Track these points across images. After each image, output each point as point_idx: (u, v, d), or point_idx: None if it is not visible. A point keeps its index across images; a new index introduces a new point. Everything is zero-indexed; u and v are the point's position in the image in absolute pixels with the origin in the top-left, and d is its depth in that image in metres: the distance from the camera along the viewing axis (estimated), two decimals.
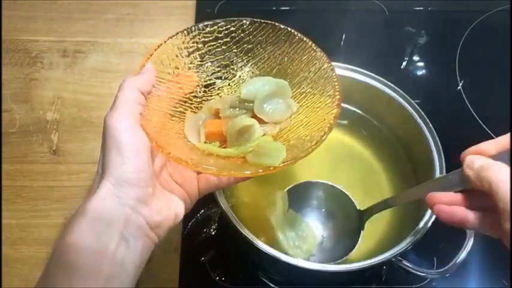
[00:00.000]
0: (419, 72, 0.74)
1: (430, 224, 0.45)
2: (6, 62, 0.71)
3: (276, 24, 0.44)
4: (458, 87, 0.71)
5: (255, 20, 0.44)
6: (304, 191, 0.53)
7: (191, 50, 0.44)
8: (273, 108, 0.43)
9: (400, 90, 0.55)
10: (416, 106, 0.54)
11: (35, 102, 0.67)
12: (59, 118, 0.66)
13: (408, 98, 0.54)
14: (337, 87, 0.40)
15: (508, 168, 0.30)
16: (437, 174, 0.49)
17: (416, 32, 0.78)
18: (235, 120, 0.42)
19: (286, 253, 0.46)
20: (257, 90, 0.43)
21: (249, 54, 0.46)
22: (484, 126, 0.65)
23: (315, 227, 0.52)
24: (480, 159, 0.32)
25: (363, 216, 0.49)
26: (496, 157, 0.32)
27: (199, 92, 0.45)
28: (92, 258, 0.30)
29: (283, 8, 0.80)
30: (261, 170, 0.36)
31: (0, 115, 0.65)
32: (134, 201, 0.33)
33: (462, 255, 0.45)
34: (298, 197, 0.52)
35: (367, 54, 0.72)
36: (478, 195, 0.33)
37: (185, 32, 0.43)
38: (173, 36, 0.42)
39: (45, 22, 0.75)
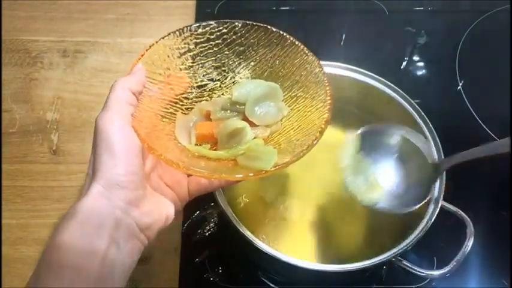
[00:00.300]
0: (419, 72, 0.74)
1: (430, 224, 0.45)
2: (6, 62, 0.71)
3: (268, 27, 0.44)
4: (458, 87, 0.71)
5: (247, 22, 0.44)
6: (376, 137, 0.51)
7: (183, 51, 0.43)
8: (264, 111, 0.43)
9: (400, 90, 0.55)
10: (416, 106, 0.54)
11: (35, 102, 0.67)
12: (59, 118, 0.66)
13: (408, 98, 0.54)
14: (328, 91, 0.40)
15: None
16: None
17: (416, 32, 0.78)
18: (227, 123, 0.42)
19: (355, 196, 0.48)
20: (248, 93, 0.43)
21: (241, 57, 0.46)
22: (484, 126, 0.65)
23: (384, 173, 0.50)
24: None
25: (437, 168, 0.48)
26: None
27: (191, 93, 0.45)
28: (82, 260, 0.30)
29: (283, 8, 0.80)
30: (251, 174, 0.36)
31: (0, 115, 0.65)
32: (125, 204, 0.33)
33: (462, 255, 0.45)
34: (370, 142, 0.51)
35: (367, 54, 0.72)
36: None
37: (177, 32, 0.43)
38: (165, 36, 0.42)
39: (45, 22, 0.75)
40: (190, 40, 0.43)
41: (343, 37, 0.77)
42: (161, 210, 0.36)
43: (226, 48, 0.45)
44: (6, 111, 0.66)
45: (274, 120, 0.43)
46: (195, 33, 0.44)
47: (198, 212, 0.57)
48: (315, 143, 0.37)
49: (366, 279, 0.54)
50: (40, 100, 0.67)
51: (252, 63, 0.46)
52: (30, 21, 0.75)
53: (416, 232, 0.45)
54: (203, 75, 0.46)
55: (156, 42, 0.41)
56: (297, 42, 0.43)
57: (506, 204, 0.58)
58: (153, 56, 0.41)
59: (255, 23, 0.44)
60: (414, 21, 0.79)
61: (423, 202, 0.47)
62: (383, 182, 0.49)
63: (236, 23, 0.44)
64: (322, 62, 0.43)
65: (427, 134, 0.52)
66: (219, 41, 0.45)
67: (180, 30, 0.43)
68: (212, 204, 0.58)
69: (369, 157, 0.51)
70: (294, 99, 0.44)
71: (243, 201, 0.54)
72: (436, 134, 0.51)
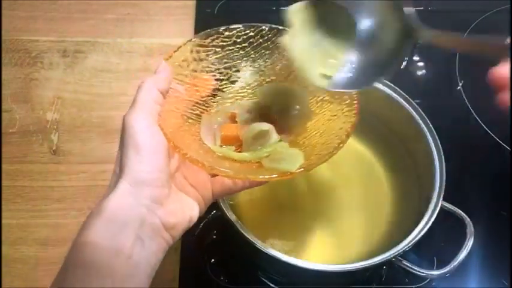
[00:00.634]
0: (419, 72, 0.74)
1: (430, 224, 0.45)
2: (6, 62, 0.71)
3: None
4: (458, 87, 0.71)
5: (274, 26, 0.44)
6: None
7: (209, 53, 0.44)
8: (290, 114, 0.43)
9: (400, 90, 0.55)
10: (416, 106, 0.54)
11: (35, 102, 0.67)
12: (59, 118, 0.66)
13: (408, 98, 0.54)
14: (355, 95, 0.40)
15: None
16: (437, 174, 0.49)
17: None
18: (252, 125, 0.42)
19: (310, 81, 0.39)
20: (274, 96, 0.43)
21: (267, 60, 0.46)
22: (484, 126, 0.65)
23: (341, 45, 0.41)
24: None
25: (410, 32, 0.37)
26: None
27: (216, 95, 0.45)
28: (108, 258, 0.30)
29: (284, 8, 0.79)
30: (276, 175, 0.35)
31: (0, 115, 0.65)
32: (150, 202, 0.33)
33: (462, 255, 0.45)
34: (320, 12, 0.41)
35: None
36: None
37: (203, 35, 0.43)
38: (192, 38, 0.42)
39: (45, 22, 0.75)
40: (217, 43, 0.44)
41: None
42: (185, 210, 0.36)
43: (252, 52, 0.45)
44: (6, 111, 0.66)
45: (299, 123, 0.43)
46: (222, 36, 0.44)
47: None
48: (341, 146, 0.36)
49: (366, 279, 0.54)
50: (40, 100, 0.67)
51: (278, 67, 0.45)
52: (30, 21, 0.75)
53: (416, 232, 0.45)
54: (229, 78, 0.46)
55: (184, 44, 0.42)
56: None
57: (506, 204, 0.58)
58: (180, 58, 0.41)
59: (281, 27, 0.44)
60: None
61: (393, 72, 0.39)
62: (340, 54, 0.40)
63: (263, 27, 0.44)
64: None
65: (427, 134, 0.52)
66: (246, 44, 0.45)
67: (207, 33, 0.43)
68: (209, 206, 0.58)
69: (321, 30, 0.41)
70: (320, 103, 0.43)
71: (243, 201, 0.54)
72: (436, 134, 0.51)
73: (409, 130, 0.54)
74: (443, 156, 0.50)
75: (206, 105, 0.44)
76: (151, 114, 0.35)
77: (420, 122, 0.53)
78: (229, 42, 0.44)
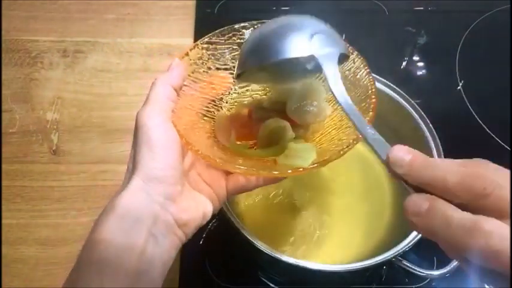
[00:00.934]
0: (419, 72, 0.74)
1: None
2: (6, 62, 0.71)
3: None
4: (458, 87, 0.71)
5: None
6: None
7: (226, 50, 0.43)
8: (306, 110, 0.42)
9: (400, 90, 0.55)
10: (416, 106, 0.54)
11: (35, 102, 0.67)
12: (59, 118, 0.66)
13: (408, 98, 0.54)
14: (373, 89, 0.39)
15: None
16: None
17: (416, 32, 0.78)
18: (267, 122, 0.41)
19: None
20: (290, 92, 0.42)
21: None
22: (484, 126, 0.65)
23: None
24: None
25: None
26: None
27: (232, 92, 0.45)
28: (121, 254, 0.30)
29: (284, 8, 0.80)
30: (289, 171, 0.35)
31: (0, 115, 0.65)
32: (163, 199, 0.33)
33: None
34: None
35: (367, 54, 0.72)
36: None
37: (219, 34, 0.43)
38: (208, 36, 0.42)
39: (45, 22, 0.75)
40: (234, 40, 0.43)
41: (343, 37, 0.76)
42: (198, 207, 0.36)
43: None
44: (6, 111, 0.66)
45: (315, 119, 0.42)
46: (238, 33, 0.43)
47: None
48: (355, 142, 0.35)
49: (366, 279, 0.54)
50: (40, 100, 0.67)
51: None
52: (30, 21, 0.75)
53: (416, 232, 0.45)
54: None
55: (200, 41, 0.41)
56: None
57: None
58: (196, 55, 0.41)
59: None
60: (414, 21, 0.79)
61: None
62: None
63: None
64: None
65: (427, 134, 0.52)
66: None
67: (223, 31, 0.43)
68: None
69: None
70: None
71: (244, 201, 0.54)
72: (436, 134, 0.52)
73: (409, 130, 0.54)
74: (443, 156, 0.50)
75: (222, 102, 0.44)
76: (164, 111, 0.35)
77: (420, 122, 0.53)
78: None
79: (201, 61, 0.42)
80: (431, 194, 0.26)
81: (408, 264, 0.45)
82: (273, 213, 0.54)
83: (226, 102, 0.44)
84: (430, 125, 0.52)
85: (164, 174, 0.33)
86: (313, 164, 0.35)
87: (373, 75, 0.55)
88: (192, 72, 0.40)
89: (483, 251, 0.23)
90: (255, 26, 0.43)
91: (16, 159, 0.62)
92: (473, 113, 0.67)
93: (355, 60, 0.41)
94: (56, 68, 0.71)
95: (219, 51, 0.43)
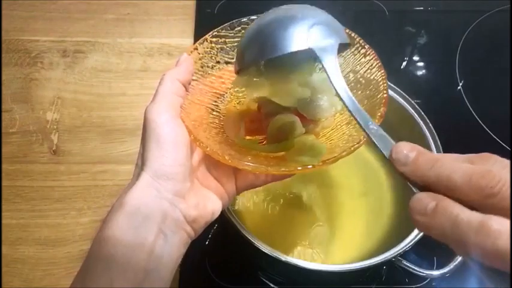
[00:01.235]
0: (419, 72, 0.74)
1: None
2: (6, 62, 0.71)
3: None
4: (458, 87, 0.71)
5: None
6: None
7: (235, 44, 0.42)
8: (317, 105, 0.40)
9: (400, 90, 0.55)
10: (416, 106, 0.54)
11: (35, 102, 0.67)
12: (59, 118, 0.66)
13: (408, 98, 0.54)
14: (384, 85, 0.38)
15: None
16: None
17: (416, 32, 0.78)
18: (277, 117, 0.40)
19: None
20: (300, 87, 0.40)
21: None
22: (484, 126, 0.65)
23: None
24: None
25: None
26: None
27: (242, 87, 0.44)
28: (130, 251, 0.30)
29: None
30: (299, 168, 0.34)
31: (0, 115, 0.65)
32: (172, 195, 0.33)
33: None
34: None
35: None
36: None
37: (228, 27, 0.42)
38: (217, 30, 0.41)
39: (45, 22, 0.75)
40: (243, 34, 0.42)
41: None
42: (207, 204, 0.36)
43: None
44: (6, 111, 0.66)
45: (326, 114, 0.41)
46: (247, 26, 0.42)
47: None
48: (364, 139, 0.35)
49: (366, 279, 0.54)
50: (40, 100, 0.67)
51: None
52: (30, 21, 0.75)
53: (416, 232, 0.45)
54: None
55: (209, 36, 0.41)
56: (352, 34, 0.42)
57: None
58: (204, 49, 0.40)
59: None
60: (414, 21, 0.79)
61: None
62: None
63: None
64: None
65: (427, 134, 0.52)
66: None
67: (232, 24, 0.42)
68: None
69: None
70: None
71: (244, 201, 0.54)
72: (436, 134, 0.51)
73: (409, 130, 0.54)
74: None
75: (231, 97, 0.43)
76: (172, 106, 0.35)
77: (420, 122, 0.53)
78: None
79: (209, 55, 0.41)
80: (436, 191, 0.26)
81: (408, 264, 0.45)
82: (272, 214, 0.54)
83: (236, 97, 0.43)
84: (430, 125, 0.52)
85: (173, 171, 0.33)
86: (324, 161, 0.34)
87: None
88: (201, 67, 0.40)
89: (491, 251, 0.23)
90: None
91: (16, 159, 0.62)
92: (473, 113, 0.67)
93: (367, 54, 0.41)
94: (56, 68, 0.71)
95: (228, 44, 0.42)
